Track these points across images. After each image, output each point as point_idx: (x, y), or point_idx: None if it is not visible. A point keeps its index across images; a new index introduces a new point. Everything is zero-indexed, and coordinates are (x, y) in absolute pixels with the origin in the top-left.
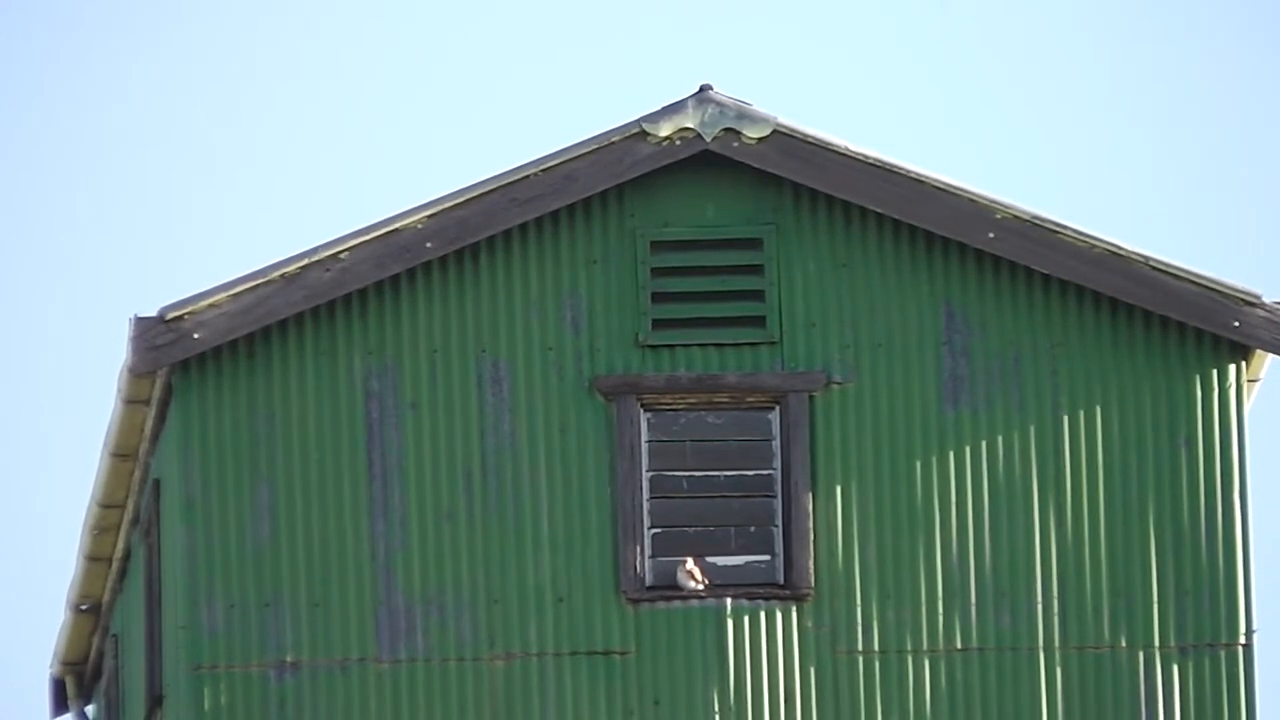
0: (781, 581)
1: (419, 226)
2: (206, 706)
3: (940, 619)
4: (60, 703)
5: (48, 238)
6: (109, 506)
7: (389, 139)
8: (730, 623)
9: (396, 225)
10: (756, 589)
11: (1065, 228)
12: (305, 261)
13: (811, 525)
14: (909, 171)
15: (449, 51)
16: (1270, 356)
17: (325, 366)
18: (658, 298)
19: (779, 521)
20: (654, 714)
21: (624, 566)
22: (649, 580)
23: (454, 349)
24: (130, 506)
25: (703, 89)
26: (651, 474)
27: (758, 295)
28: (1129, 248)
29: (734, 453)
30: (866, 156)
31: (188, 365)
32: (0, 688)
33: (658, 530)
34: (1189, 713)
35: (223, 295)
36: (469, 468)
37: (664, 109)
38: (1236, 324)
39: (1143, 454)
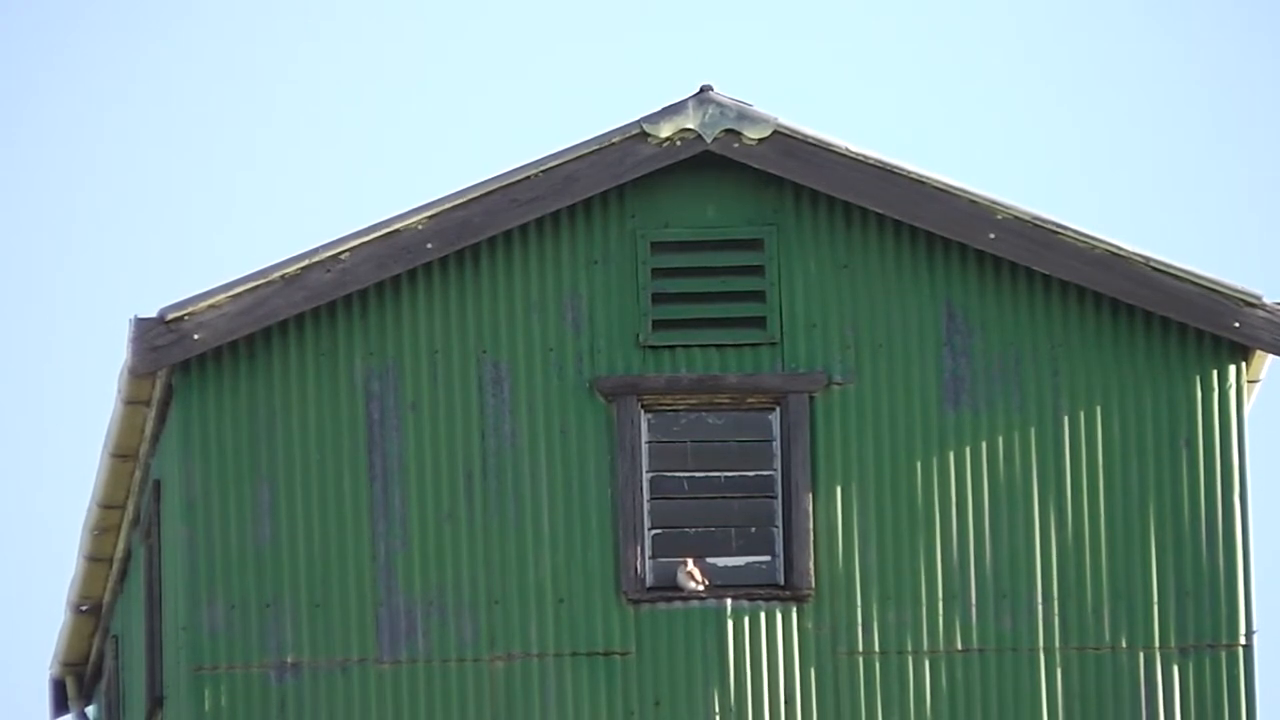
0: (782, 582)
1: (419, 227)
2: (207, 707)
3: (940, 619)
4: (60, 703)
5: (48, 238)
6: (109, 507)
7: (389, 139)
8: (730, 623)
9: (397, 226)
10: (757, 590)
11: (1065, 228)
12: (305, 262)
13: (812, 526)
14: (910, 172)
15: (449, 51)
16: (1270, 357)
17: (326, 367)
18: (658, 298)
19: (779, 522)
20: (654, 715)
21: (624, 567)
22: (649, 581)
23: (454, 350)
24: (130, 507)
25: (703, 89)
26: (652, 475)
27: (758, 296)
28: (1129, 248)
29: (734, 453)
30: (867, 157)
31: (188, 366)
32: (0, 688)
33: (658, 531)
34: (1189, 713)
35: (223, 296)
36: (469, 468)
37: (664, 109)
38: (1237, 325)
39: (1143, 454)
